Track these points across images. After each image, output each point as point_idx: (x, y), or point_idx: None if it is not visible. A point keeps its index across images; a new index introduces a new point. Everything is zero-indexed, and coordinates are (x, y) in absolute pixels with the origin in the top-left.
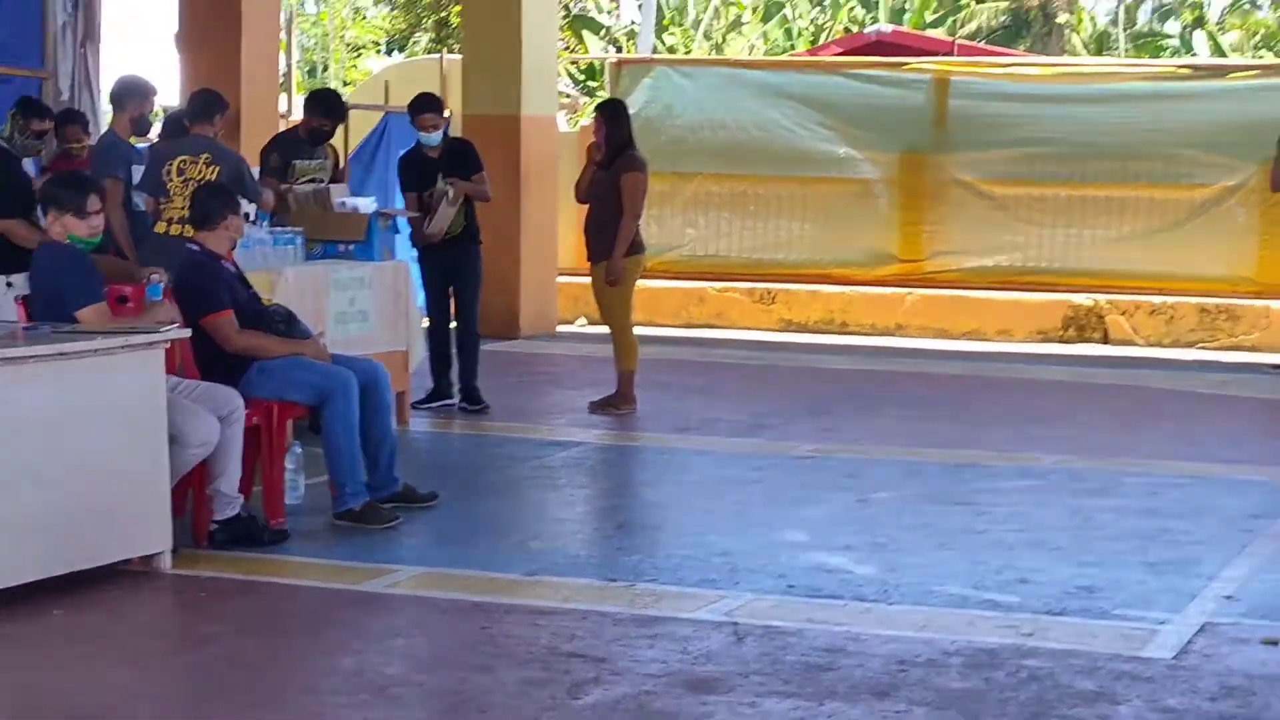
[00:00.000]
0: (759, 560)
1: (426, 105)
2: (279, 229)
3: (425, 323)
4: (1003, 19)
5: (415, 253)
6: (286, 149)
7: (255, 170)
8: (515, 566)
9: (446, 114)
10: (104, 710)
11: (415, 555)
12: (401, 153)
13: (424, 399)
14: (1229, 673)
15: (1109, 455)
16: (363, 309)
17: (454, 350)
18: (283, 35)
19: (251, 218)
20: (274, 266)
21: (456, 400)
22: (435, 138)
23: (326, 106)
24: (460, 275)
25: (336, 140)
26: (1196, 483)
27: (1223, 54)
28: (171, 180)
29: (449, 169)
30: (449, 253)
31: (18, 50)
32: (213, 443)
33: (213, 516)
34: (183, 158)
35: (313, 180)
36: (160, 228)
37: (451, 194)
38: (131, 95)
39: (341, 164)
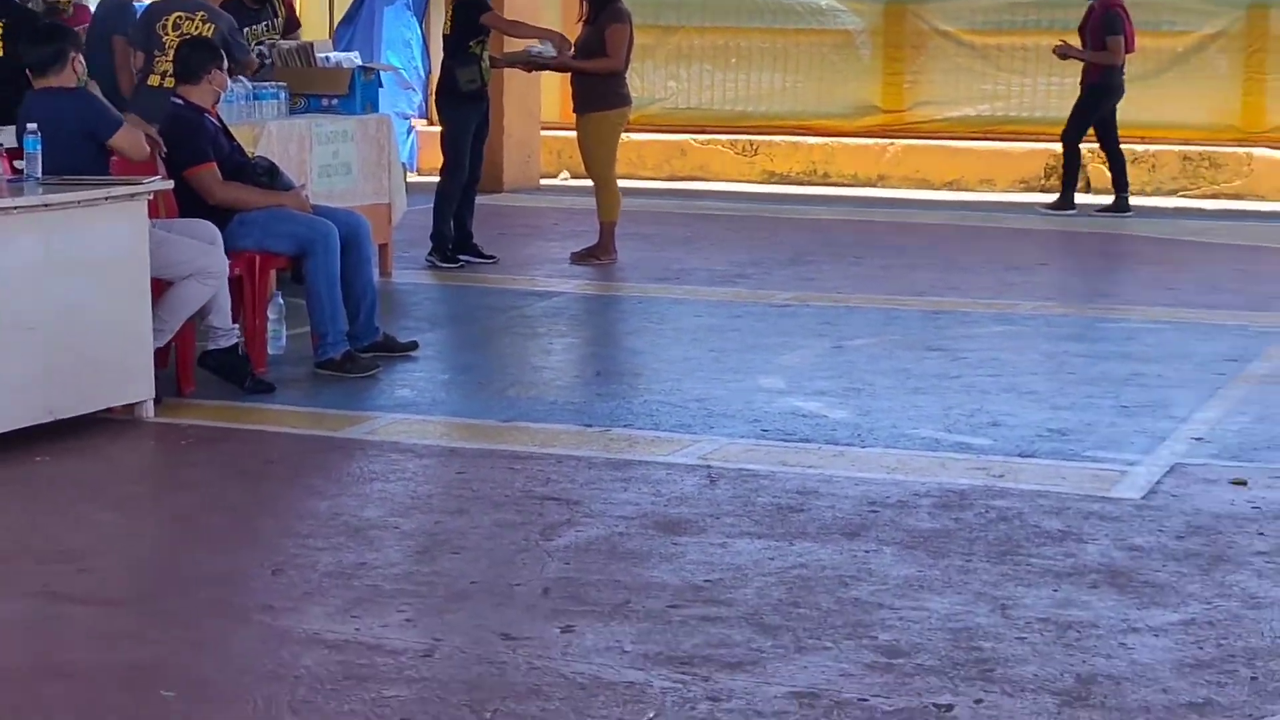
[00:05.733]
0: (734, 406)
1: None
2: (262, 83)
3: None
4: None
5: (417, 107)
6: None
7: None
8: (493, 413)
9: None
10: (87, 552)
11: (393, 403)
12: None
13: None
14: (1196, 512)
15: (1086, 302)
16: (346, 162)
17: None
18: None
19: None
20: (257, 120)
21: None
22: None
23: None
24: (484, 127)
25: None
26: (1172, 328)
27: None
28: (167, 35)
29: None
30: (483, 106)
31: None
32: (223, 269)
33: (208, 349)
34: (178, 13)
35: (261, 43)
36: (154, 81)
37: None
38: None
39: (297, 15)
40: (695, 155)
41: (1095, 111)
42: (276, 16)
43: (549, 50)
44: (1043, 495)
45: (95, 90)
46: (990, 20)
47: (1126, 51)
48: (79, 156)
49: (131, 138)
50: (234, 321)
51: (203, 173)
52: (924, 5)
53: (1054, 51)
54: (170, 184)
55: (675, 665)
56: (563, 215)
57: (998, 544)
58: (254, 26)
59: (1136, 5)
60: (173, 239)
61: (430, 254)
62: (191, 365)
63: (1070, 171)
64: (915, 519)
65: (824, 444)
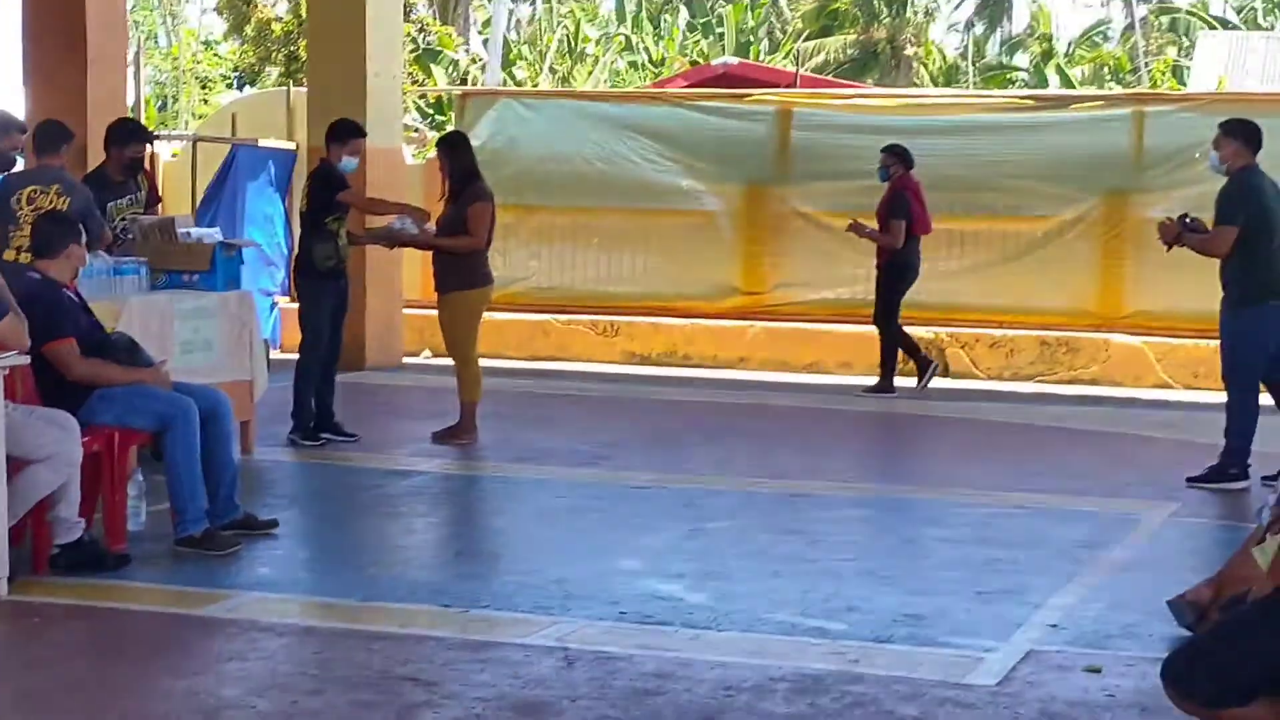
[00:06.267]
0: (592, 587)
1: (361, 131)
2: (123, 259)
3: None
4: (851, 52)
5: (280, 284)
6: (97, 193)
7: None
8: (352, 592)
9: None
10: None
11: (253, 581)
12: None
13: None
14: (1050, 699)
15: (944, 486)
16: (207, 338)
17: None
18: (131, 68)
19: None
20: (118, 296)
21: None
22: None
23: (131, 132)
24: (343, 304)
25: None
26: (1029, 513)
27: (1072, 86)
28: (22, 209)
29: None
30: (342, 283)
31: None
32: (77, 458)
33: (54, 542)
34: (33, 187)
35: (124, 217)
36: (9, 255)
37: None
38: None
39: (159, 190)
40: (557, 335)
41: (893, 292)
42: (140, 190)
43: (410, 227)
44: (898, 681)
45: None
46: (850, 203)
47: (919, 233)
48: None
49: (14, 328)
50: (93, 496)
51: (61, 348)
52: (784, 187)
53: (847, 229)
54: (26, 359)
55: None
56: (425, 394)
57: None
58: (118, 201)
59: (997, 190)
60: (29, 422)
61: (292, 432)
62: (48, 544)
63: (889, 355)
64: (771, 704)
65: (681, 626)
